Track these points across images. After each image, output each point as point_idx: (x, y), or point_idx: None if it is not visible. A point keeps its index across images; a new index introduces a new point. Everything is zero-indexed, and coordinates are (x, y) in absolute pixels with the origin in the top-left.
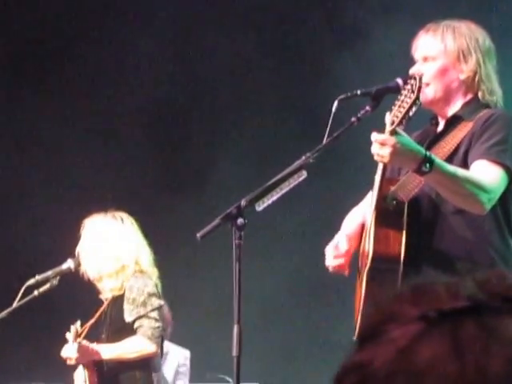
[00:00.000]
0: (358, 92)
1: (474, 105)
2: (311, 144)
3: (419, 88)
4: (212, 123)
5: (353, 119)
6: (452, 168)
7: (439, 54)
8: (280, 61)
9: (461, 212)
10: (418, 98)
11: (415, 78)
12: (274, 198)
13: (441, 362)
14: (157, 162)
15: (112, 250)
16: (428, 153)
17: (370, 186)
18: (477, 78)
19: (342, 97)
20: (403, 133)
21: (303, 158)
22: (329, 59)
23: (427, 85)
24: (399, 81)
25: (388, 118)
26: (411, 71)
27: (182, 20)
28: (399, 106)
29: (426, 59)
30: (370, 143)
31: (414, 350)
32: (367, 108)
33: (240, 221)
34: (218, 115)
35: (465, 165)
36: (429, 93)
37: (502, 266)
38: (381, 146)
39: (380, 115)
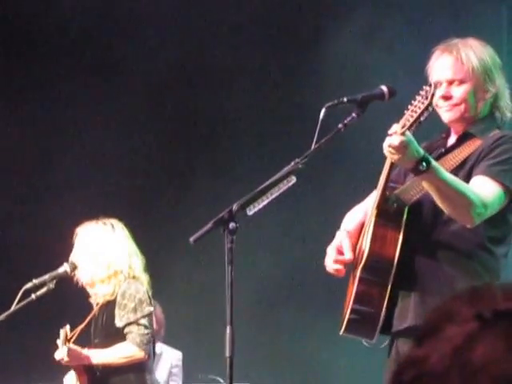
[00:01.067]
0: (345, 99)
1: (487, 123)
2: (300, 150)
3: (432, 95)
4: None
5: (340, 126)
6: (449, 175)
7: (467, 76)
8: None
9: (454, 220)
10: (430, 104)
11: (430, 85)
12: (265, 202)
13: (495, 360)
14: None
15: (104, 257)
16: (426, 154)
17: (374, 187)
18: (498, 95)
19: (329, 104)
20: (410, 134)
21: (292, 163)
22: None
23: (456, 105)
24: (384, 88)
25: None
26: (440, 94)
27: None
28: (412, 111)
29: (452, 82)
30: (356, 147)
31: (470, 347)
32: (353, 115)
33: (232, 225)
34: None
35: (469, 180)
36: (458, 113)
37: (488, 280)
38: (390, 147)
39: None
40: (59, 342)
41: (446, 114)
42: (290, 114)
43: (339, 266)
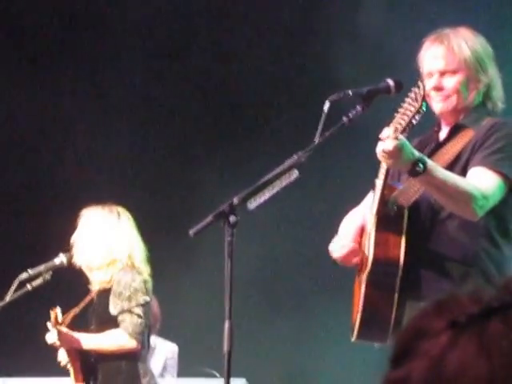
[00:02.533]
0: (350, 92)
1: (479, 113)
2: (303, 143)
3: (423, 97)
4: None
5: (344, 119)
6: (446, 172)
7: (459, 66)
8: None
9: (456, 217)
10: (421, 106)
11: (419, 87)
12: (266, 196)
13: (470, 364)
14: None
15: (105, 243)
16: (422, 155)
17: (369, 187)
18: (490, 85)
19: (333, 97)
20: (403, 138)
21: (295, 157)
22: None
23: (448, 97)
24: (390, 82)
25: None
26: (430, 85)
27: None
28: (402, 114)
29: (444, 73)
30: (358, 142)
31: (445, 357)
32: (358, 108)
33: (232, 218)
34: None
35: (466, 173)
36: (450, 104)
37: (494, 272)
38: (383, 152)
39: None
40: (49, 324)
41: (438, 105)
42: (294, 105)
43: (348, 247)
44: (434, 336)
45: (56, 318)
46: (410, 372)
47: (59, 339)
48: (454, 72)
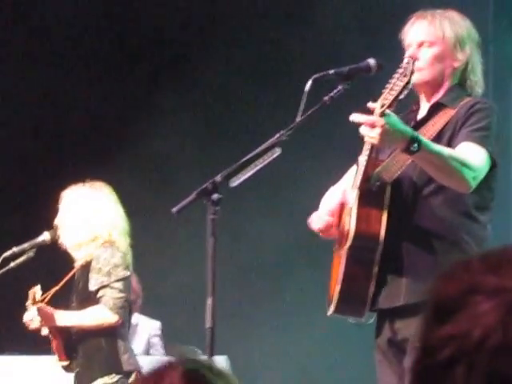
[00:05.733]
0: (331, 71)
1: (457, 92)
2: (285, 122)
3: (412, 71)
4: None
5: (325, 98)
6: (439, 147)
7: (437, 40)
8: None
9: (438, 193)
10: (409, 81)
11: (408, 62)
12: (249, 174)
13: None
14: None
15: (86, 220)
16: (415, 133)
17: (350, 165)
18: (468, 68)
19: (316, 76)
20: (392, 113)
21: (277, 135)
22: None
23: (422, 69)
24: (371, 61)
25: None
26: (407, 54)
27: None
28: (390, 89)
29: (421, 44)
30: (347, 121)
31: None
32: (339, 87)
33: (215, 196)
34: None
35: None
36: (422, 76)
37: (474, 248)
38: (370, 128)
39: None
40: (28, 303)
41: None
42: (276, 84)
43: (328, 219)
44: (490, 294)
45: (34, 296)
46: (469, 329)
47: (40, 315)
48: (431, 44)
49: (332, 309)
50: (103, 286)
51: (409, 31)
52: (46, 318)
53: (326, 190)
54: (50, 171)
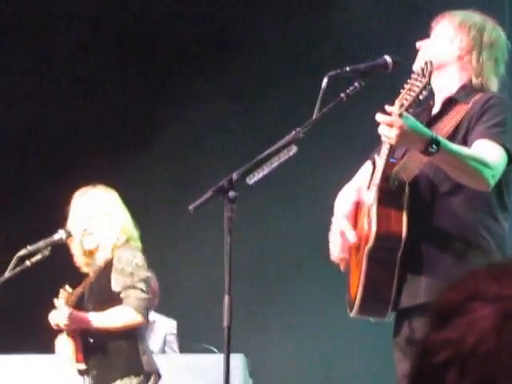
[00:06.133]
0: (348, 68)
1: (469, 89)
2: (301, 119)
3: (430, 72)
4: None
5: (342, 95)
6: (457, 147)
7: (453, 33)
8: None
9: (456, 192)
10: (428, 82)
11: (426, 63)
12: (266, 171)
13: None
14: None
15: (100, 223)
16: (434, 134)
17: (362, 162)
18: (484, 69)
19: (331, 73)
20: (410, 115)
21: (293, 132)
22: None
23: (424, 48)
24: (387, 58)
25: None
26: (417, 44)
27: None
28: (409, 90)
29: (438, 37)
30: (363, 119)
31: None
32: (356, 84)
33: (231, 194)
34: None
35: (465, 146)
36: (426, 53)
37: (494, 248)
38: (388, 128)
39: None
40: (59, 302)
41: (421, 58)
42: (292, 80)
43: (346, 256)
44: (490, 301)
45: (68, 296)
46: (464, 334)
47: (69, 319)
48: (441, 37)
49: (354, 311)
50: (127, 287)
51: (433, 28)
52: (75, 321)
53: (341, 187)
54: (67, 169)
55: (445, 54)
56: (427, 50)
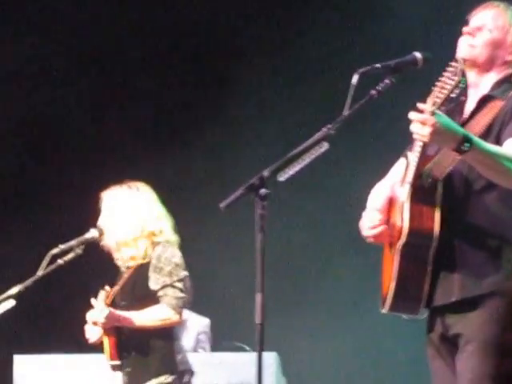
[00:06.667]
0: (378, 65)
1: (506, 85)
2: (332, 116)
3: (462, 71)
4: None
5: (373, 92)
6: (489, 145)
7: (498, 27)
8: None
9: (490, 189)
10: (460, 80)
11: (458, 61)
12: (297, 168)
13: None
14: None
15: (129, 219)
16: (466, 132)
17: (394, 160)
18: None
19: (362, 70)
20: (442, 113)
21: (324, 129)
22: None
23: (474, 46)
24: (417, 54)
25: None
26: (464, 29)
27: None
28: (441, 88)
29: (482, 27)
30: (397, 118)
31: None
32: (386, 81)
33: (263, 191)
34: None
35: (498, 143)
36: (474, 53)
37: None
38: (421, 126)
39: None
40: (98, 302)
41: (463, 48)
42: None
43: (378, 229)
44: None
45: (107, 296)
46: None
47: (107, 318)
48: (491, 30)
49: (387, 307)
50: (165, 286)
51: (473, 16)
52: (114, 320)
53: (372, 180)
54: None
55: (495, 58)
56: (477, 47)
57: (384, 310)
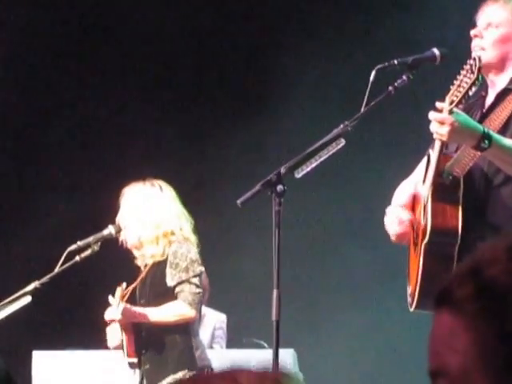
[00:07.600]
0: (396, 61)
1: None
2: (350, 112)
3: (479, 69)
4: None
5: (390, 88)
6: (509, 141)
7: (503, 22)
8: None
9: (508, 182)
10: (477, 78)
11: (474, 59)
12: (313, 165)
13: None
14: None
15: (151, 217)
16: (486, 129)
17: (419, 158)
18: None
19: (379, 66)
20: (460, 112)
21: (341, 126)
22: (368, 29)
23: (485, 49)
24: (435, 51)
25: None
26: (472, 33)
27: None
28: (458, 86)
29: (488, 25)
30: (417, 116)
31: None
32: (404, 77)
33: (280, 187)
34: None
35: None
36: (486, 57)
37: None
38: (440, 125)
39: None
40: (114, 299)
41: (475, 52)
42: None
43: (403, 227)
44: None
45: (122, 293)
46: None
47: (123, 314)
48: (498, 26)
49: (414, 305)
50: (181, 282)
51: (480, 14)
52: (130, 317)
53: (395, 180)
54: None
55: (508, 53)
56: (488, 49)
57: (412, 309)
